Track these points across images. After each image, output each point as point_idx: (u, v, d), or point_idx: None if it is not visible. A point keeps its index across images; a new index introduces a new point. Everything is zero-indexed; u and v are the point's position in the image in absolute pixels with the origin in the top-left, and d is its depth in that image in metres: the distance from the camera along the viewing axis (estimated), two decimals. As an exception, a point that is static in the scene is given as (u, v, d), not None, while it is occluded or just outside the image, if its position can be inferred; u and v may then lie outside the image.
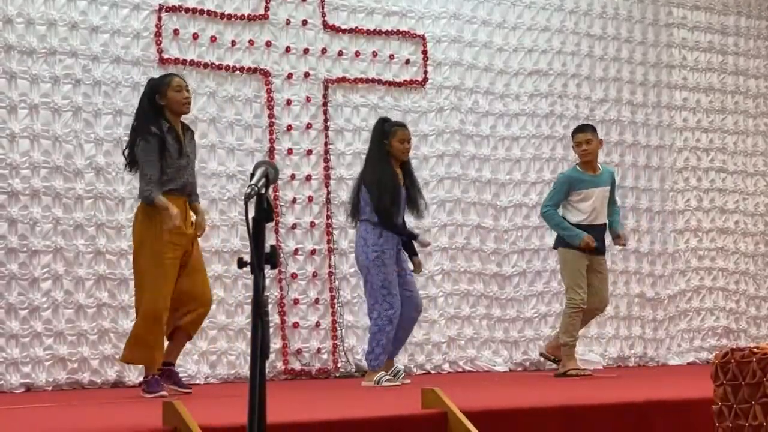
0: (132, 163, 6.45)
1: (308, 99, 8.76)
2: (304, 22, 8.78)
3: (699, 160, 10.56)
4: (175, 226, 6.21)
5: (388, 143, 7.24)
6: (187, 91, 6.50)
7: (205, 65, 8.34)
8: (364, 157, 8.82)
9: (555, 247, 8.09)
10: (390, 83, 9.13)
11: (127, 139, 7.90)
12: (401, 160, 7.31)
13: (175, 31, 8.24)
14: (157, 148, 6.28)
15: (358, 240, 7.24)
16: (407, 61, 9.22)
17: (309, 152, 8.73)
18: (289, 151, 8.65)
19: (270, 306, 8.65)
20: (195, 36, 8.32)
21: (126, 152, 6.49)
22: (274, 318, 8.34)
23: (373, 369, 7.13)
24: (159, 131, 6.31)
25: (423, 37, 9.29)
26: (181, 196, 6.42)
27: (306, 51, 8.78)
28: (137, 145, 6.34)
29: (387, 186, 7.13)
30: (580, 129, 8.04)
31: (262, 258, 2.94)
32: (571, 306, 7.75)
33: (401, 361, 8.85)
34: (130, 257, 7.87)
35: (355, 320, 8.75)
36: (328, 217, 8.74)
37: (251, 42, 8.56)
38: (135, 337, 6.34)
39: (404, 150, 7.29)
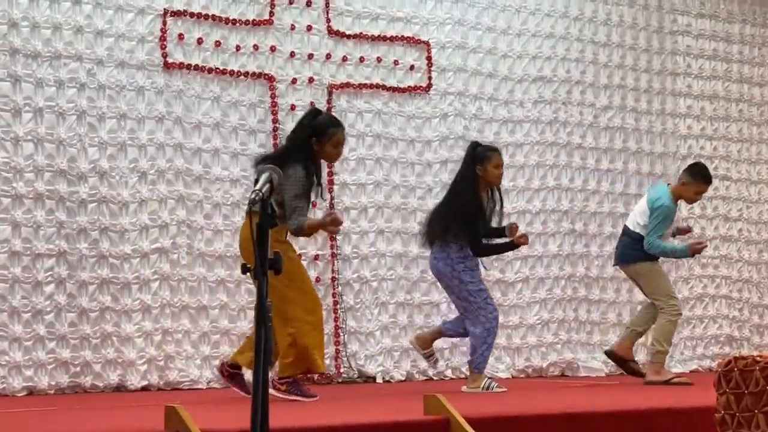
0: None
1: (312, 104, 8.75)
2: (309, 28, 8.78)
3: (703, 167, 10.53)
4: (336, 219, 6.28)
5: (481, 168, 7.13)
6: (343, 146, 6.56)
7: (210, 70, 8.34)
8: (368, 162, 8.91)
9: (628, 263, 8.16)
10: (394, 89, 9.12)
11: (131, 143, 7.98)
12: (494, 184, 7.22)
13: (180, 36, 8.24)
14: (304, 187, 6.24)
15: (440, 259, 7.18)
16: (411, 67, 9.22)
17: (313, 157, 8.72)
18: (293, 156, 8.64)
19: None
20: (199, 41, 8.32)
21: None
22: (277, 323, 8.32)
23: (479, 372, 7.14)
24: (308, 171, 6.31)
25: (427, 43, 9.29)
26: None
27: (310, 56, 8.78)
28: (291, 167, 6.22)
29: (478, 216, 7.11)
30: (710, 180, 8.35)
31: (266, 263, 2.94)
32: (673, 312, 8.00)
33: (403, 366, 8.85)
34: (134, 261, 7.92)
35: (357, 326, 8.74)
36: (332, 222, 8.72)
37: (256, 47, 8.56)
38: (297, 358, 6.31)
39: (498, 175, 7.17)
